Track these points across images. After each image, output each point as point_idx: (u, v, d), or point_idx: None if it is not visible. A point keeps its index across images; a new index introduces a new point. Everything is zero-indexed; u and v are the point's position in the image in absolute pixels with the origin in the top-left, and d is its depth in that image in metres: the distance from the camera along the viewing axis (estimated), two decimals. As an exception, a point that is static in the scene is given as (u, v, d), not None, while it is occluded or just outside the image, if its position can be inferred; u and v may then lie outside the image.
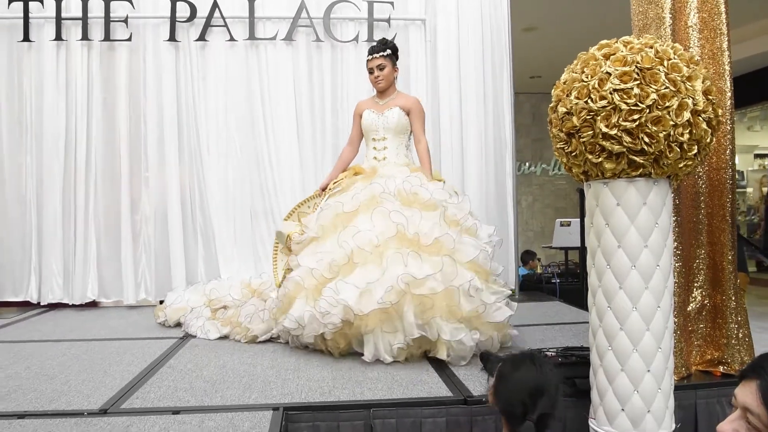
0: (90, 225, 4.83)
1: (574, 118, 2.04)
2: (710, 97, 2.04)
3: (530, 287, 5.43)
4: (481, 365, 2.81)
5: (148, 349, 3.32)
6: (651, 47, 2.03)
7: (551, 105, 2.20)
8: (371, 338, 2.93)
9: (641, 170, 2.03)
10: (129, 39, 4.86)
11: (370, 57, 3.64)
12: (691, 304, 2.67)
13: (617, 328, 2.07)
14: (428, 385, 2.59)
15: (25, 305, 4.82)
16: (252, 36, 4.94)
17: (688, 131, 1.98)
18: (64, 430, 2.12)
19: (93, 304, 4.86)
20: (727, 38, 2.67)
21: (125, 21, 4.84)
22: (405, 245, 3.00)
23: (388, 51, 3.62)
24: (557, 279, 5.33)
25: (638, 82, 1.96)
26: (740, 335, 2.63)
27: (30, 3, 4.77)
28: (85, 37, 4.82)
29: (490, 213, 5.09)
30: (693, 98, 1.98)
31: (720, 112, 2.12)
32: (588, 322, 2.26)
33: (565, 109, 2.09)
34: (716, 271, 2.68)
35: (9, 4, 4.78)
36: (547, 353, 2.63)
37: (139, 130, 4.91)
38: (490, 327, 2.99)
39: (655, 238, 2.07)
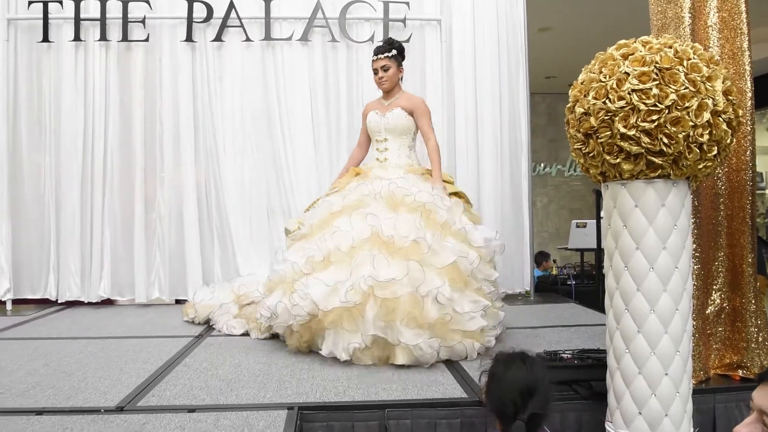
0: (107, 224, 4.87)
1: (592, 119, 2.03)
2: (730, 98, 2.01)
3: (545, 289, 5.39)
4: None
5: (164, 347, 3.34)
6: (670, 47, 2.01)
7: (568, 105, 2.19)
8: (331, 334, 2.97)
9: (660, 171, 2.01)
10: (146, 39, 4.90)
11: (375, 57, 3.62)
12: (710, 307, 2.64)
13: (635, 330, 2.05)
14: (443, 386, 2.59)
15: (43, 302, 4.87)
16: (268, 36, 4.96)
17: (707, 132, 1.96)
18: (81, 426, 2.14)
19: (109, 302, 4.90)
20: (747, 38, 2.64)
21: (142, 22, 4.88)
22: (378, 247, 3.01)
23: (394, 51, 3.60)
24: (573, 280, 5.28)
25: (657, 82, 1.94)
26: (760, 339, 2.60)
27: (49, 4, 4.82)
28: (103, 37, 4.86)
29: (505, 214, 5.07)
30: (713, 99, 1.96)
31: (740, 112, 2.10)
32: (604, 324, 2.24)
33: (582, 110, 2.07)
34: (735, 273, 2.65)
35: (29, 5, 4.83)
36: (563, 355, 2.61)
37: (156, 130, 4.94)
38: (459, 335, 2.95)
39: (674, 239, 2.04)
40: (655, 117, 1.92)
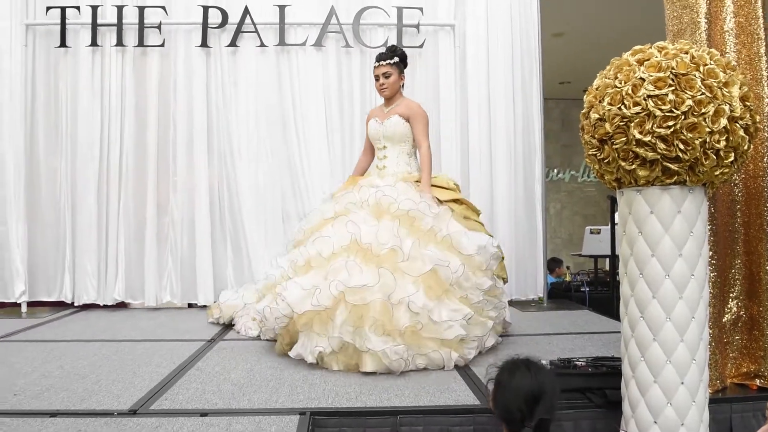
0: (122, 228, 4.92)
1: (607, 125, 2.02)
2: (747, 104, 1.99)
3: (559, 295, 5.35)
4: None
5: (177, 351, 3.36)
6: (686, 52, 2.00)
7: (583, 111, 2.18)
8: (303, 336, 3.01)
9: (676, 178, 1.99)
10: (162, 45, 4.94)
11: (377, 64, 3.60)
12: (727, 315, 2.60)
13: (650, 338, 2.03)
14: (455, 393, 2.57)
15: (58, 305, 4.91)
16: (282, 42, 4.98)
17: (724, 138, 1.94)
18: (94, 429, 2.15)
19: (123, 305, 4.93)
20: (764, 43, 2.61)
21: (158, 27, 4.92)
22: (355, 254, 3.04)
23: (396, 59, 3.60)
24: (586, 287, 5.24)
25: (673, 88, 1.93)
26: (777, 348, 2.56)
27: (67, 9, 4.87)
28: (119, 42, 4.91)
29: (518, 219, 5.06)
30: (730, 104, 1.94)
31: (758, 118, 2.08)
32: (619, 332, 2.23)
33: (597, 115, 2.06)
34: (753, 281, 2.61)
35: (47, 10, 4.89)
36: (577, 362, 2.59)
37: (170, 135, 4.97)
38: (436, 343, 2.92)
39: (690, 247, 2.03)
40: (671, 123, 1.91)
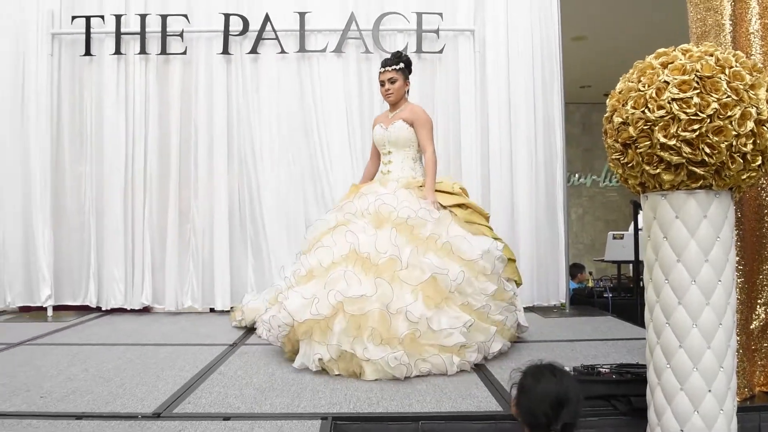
0: (147, 233, 4.98)
1: (631, 128, 2.00)
2: (775, 106, 1.96)
3: (581, 301, 5.30)
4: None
5: (200, 355, 3.38)
6: (711, 55, 1.98)
7: (606, 115, 2.16)
8: (304, 345, 3.03)
9: (701, 182, 1.97)
10: (184, 52, 5.00)
11: (383, 69, 3.60)
12: (755, 322, 2.55)
13: (676, 345, 2.00)
14: (477, 399, 2.56)
15: (83, 309, 4.98)
16: (302, 48, 5.01)
17: (751, 141, 1.91)
18: (119, 432, 2.18)
19: (146, 310, 4.99)
20: (792, 45, 2.57)
21: (180, 35, 4.98)
22: (353, 263, 3.04)
23: (402, 65, 3.60)
24: (609, 293, 5.18)
25: (698, 91, 1.91)
26: (807, 355, 2.51)
27: (92, 19, 4.96)
28: (142, 50, 4.99)
29: (539, 224, 5.02)
30: (756, 107, 1.92)
31: (786, 121, 2.04)
32: (643, 338, 2.20)
33: (621, 119, 2.04)
34: (781, 287, 2.56)
35: (72, 20, 4.99)
36: (601, 369, 2.56)
37: (191, 141, 5.03)
38: (436, 349, 2.90)
39: (717, 252, 2.00)
40: (696, 126, 1.89)
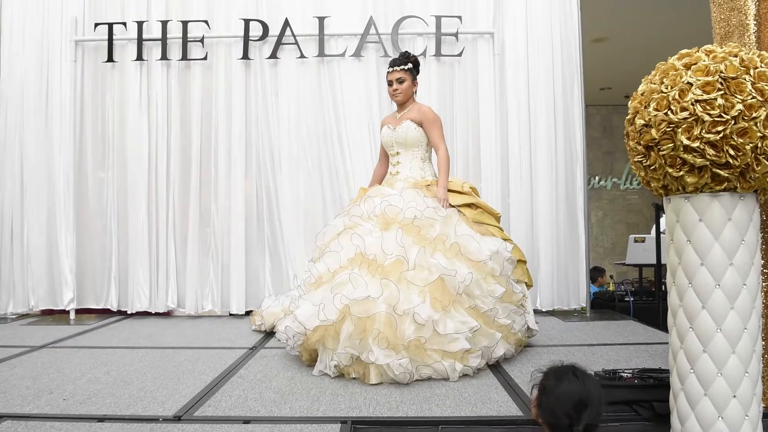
0: (170, 238, 5.03)
1: (653, 131, 1.97)
2: (802, 107, 1.92)
3: (602, 305, 5.25)
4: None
5: (219, 358, 3.40)
6: (735, 56, 1.95)
7: (628, 117, 2.14)
8: (320, 352, 3.02)
9: (726, 184, 1.94)
10: (204, 58, 5.06)
11: (391, 69, 3.61)
12: (781, 327, 2.51)
13: (700, 350, 1.97)
14: (497, 403, 2.54)
15: (105, 312, 5.04)
16: (322, 53, 5.04)
17: (777, 143, 1.87)
18: (141, 435, 2.20)
19: (167, 314, 5.03)
20: (818, 45, 2.52)
21: (201, 41, 5.03)
22: (360, 266, 3.03)
23: (410, 65, 3.60)
24: (631, 297, 5.12)
25: (722, 92, 1.88)
26: (836, 361, 2.45)
27: (114, 26, 5.04)
28: (164, 56, 5.05)
29: (560, 228, 4.98)
30: (783, 108, 1.88)
31: (813, 122, 2.00)
32: (666, 343, 2.17)
33: (643, 121, 2.02)
34: (808, 291, 2.51)
35: (95, 27, 5.06)
36: (623, 374, 2.53)
37: (213, 146, 5.07)
38: (439, 354, 2.86)
39: (741, 255, 1.96)
40: (720, 128, 1.86)
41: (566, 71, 5.06)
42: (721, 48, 2.00)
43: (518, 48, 5.05)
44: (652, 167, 2.04)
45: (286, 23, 5.00)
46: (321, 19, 5.01)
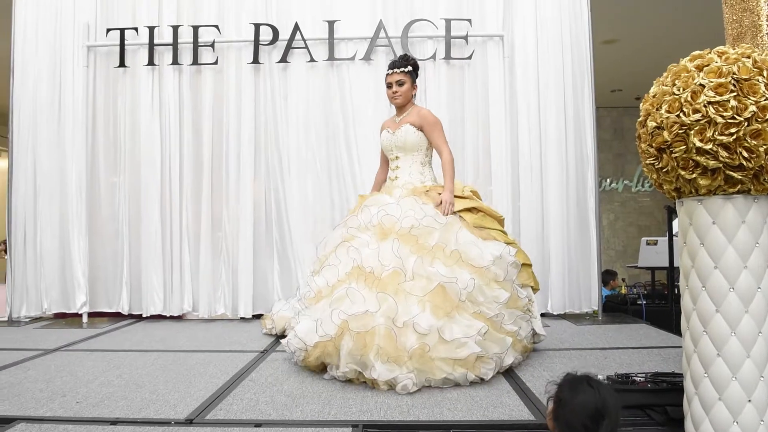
0: (184, 241, 5.06)
1: (665, 133, 1.96)
2: (816, 109, 1.91)
3: (614, 308, 5.21)
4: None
5: (231, 361, 3.41)
6: (748, 57, 1.94)
7: (640, 119, 2.13)
8: (327, 365, 2.98)
9: (739, 187, 1.92)
10: (215, 62, 5.08)
11: (390, 72, 3.57)
12: (796, 330, 2.48)
13: (714, 354, 1.95)
14: (509, 408, 2.53)
15: (117, 316, 5.07)
16: (332, 57, 5.04)
17: (791, 145, 1.86)
18: (153, 438, 2.21)
19: (179, 317, 5.06)
20: (832, 45, 2.50)
21: (212, 46, 5.06)
22: (358, 279, 2.99)
23: (409, 67, 3.57)
24: (643, 300, 5.08)
25: (735, 93, 1.87)
26: None
27: (126, 31, 5.08)
28: (175, 61, 5.08)
29: (571, 231, 4.96)
30: (797, 110, 1.86)
31: (827, 124, 1.98)
32: (679, 347, 2.16)
33: (655, 124, 2.01)
34: (824, 294, 2.48)
35: (107, 32, 5.11)
36: (636, 378, 2.51)
37: (224, 150, 5.09)
38: (449, 365, 2.78)
39: (756, 258, 1.95)
40: (733, 130, 1.84)
41: (576, 73, 5.04)
42: (734, 49, 1.99)
43: (528, 50, 5.04)
44: (664, 170, 2.02)
45: (296, 27, 5.02)
46: (331, 23, 5.03)
